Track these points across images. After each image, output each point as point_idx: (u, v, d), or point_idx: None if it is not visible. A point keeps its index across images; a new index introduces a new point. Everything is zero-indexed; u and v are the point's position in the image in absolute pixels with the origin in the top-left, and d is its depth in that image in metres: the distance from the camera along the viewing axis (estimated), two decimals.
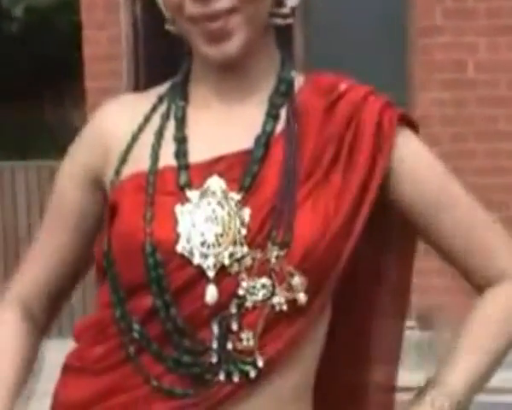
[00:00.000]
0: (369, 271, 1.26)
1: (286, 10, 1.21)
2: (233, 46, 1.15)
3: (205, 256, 1.13)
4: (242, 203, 1.15)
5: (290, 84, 1.23)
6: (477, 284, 1.23)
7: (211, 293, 1.12)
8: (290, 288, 1.13)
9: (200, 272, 1.13)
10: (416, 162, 1.21)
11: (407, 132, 1.22)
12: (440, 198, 1.21)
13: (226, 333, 1.12)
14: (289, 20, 1.21)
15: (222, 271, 1.13)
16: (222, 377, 1.13)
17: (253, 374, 1.13)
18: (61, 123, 10.19)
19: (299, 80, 1.25)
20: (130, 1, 5.07)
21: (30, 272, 1.30)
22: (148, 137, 1.22)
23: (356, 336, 1.28)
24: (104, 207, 1.22)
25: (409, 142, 1.22)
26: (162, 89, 1.28)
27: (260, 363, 1.13)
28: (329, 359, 1.23)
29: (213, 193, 1.15)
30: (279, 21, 1.21)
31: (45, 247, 1.29)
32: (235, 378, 1.13)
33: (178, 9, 1.16)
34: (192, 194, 1.16)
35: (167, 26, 1.23)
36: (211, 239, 1.13)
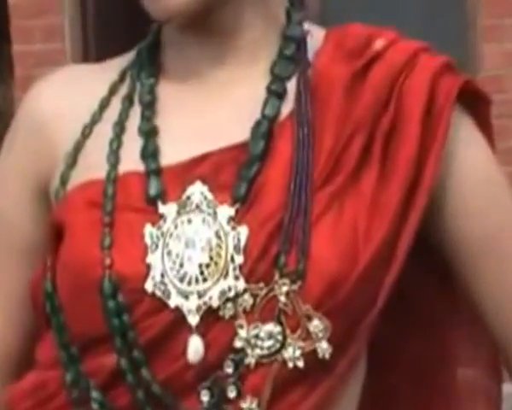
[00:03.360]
0: (428, 304, 1.06)
1: None
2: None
3: (185, 296, 0.94)
4: (237, 220, 0.94)
5: (300, 44, 1.00)
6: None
7: (194, 347, 0.93)
8: (307, 336, 0.93)
9: (180, 317, 0.94)
10: (473, 176, 0.99)
11: (467, 120, 0.99)
12: (494, 243, 1.00)
13: (220, 403, 0.93)
14: None
15: (209, 316, 0.93)
16: None
17: None
18: None
19: (316, 38, 1.01)
20: None
21: None
22: (104, 129, 1.02)
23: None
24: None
25: (464, 136, 0.99)
26: (124, 60, 1.07)
27: None
28: None
29: (196, 207, 0.96)
30: None
31: None
32: None
33: None
34: (166, 209, 0.96)
35: None
36: (193, 271, 0.94)
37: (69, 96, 1.06)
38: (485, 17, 4.30)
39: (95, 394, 0.97)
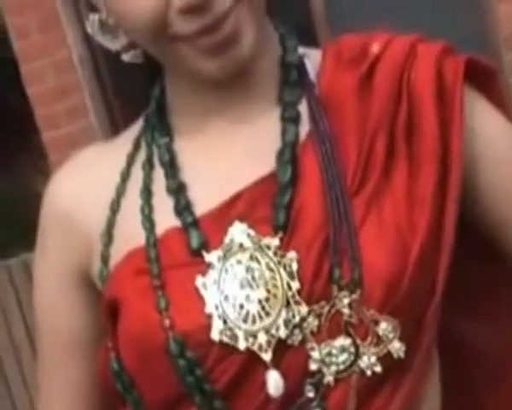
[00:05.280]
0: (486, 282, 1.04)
1: None
2: (244, 48, 0.92)
3: (253, 335, 0.91)
4: (283, 248, 0.92)
5: (300, 68, 1.00)
6: None
7: (274, 382, 0.90)
8: (378, 340, 0.90)
9: (252, 357, 0.91)
10: (490, 138, 0.98)
11: (477, 95, 0.98)
12: None
13: None
14: None
15: (280, 347, 0.90)
16: None
17: None
18: (19, 196, 8.96)
19: (313, 59, 1.01)
20: (75, 14, 4.46)
21: None
22: (131, 199, 1.01)
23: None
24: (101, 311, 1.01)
25: (479, 109, 0.98)
26: (134, 130, 1.06)
27: None
28: None
29: (241, 246, 0.93)
30: None
31: (56, 391, 1.08)
32: None
33: (159, 30, 0.91)
34: (212, 256, 0.94)
35: (124, 57, 1.02)
36: (254, 310, 0.91)
37: (87, 181, 1.04)
38: None
39: None
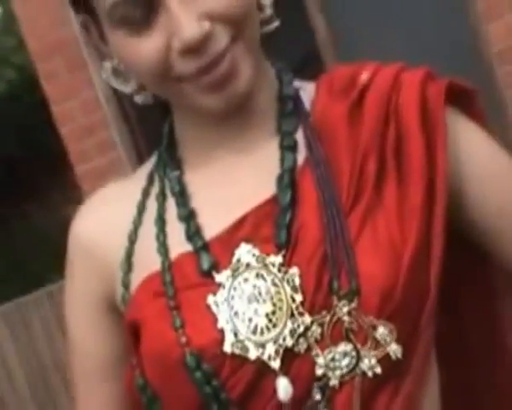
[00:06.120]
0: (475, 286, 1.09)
1: (268, 12, 1.04)
2: (241, 83, 0.98)
3: (262, 346, 0.96)
4: (286, 264, 0.98)
5: (296, 100, 1.06)
6: None
7: (283, 388, 0.95)
8: (377, 344, 0.96)
9: (262, 365, 0.96)
10: (474, 155, 1.03)
11: (459, 116, 1.04)
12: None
13: None
14: (275, 23, 1.05)
15: (288, 355, 0.96)
16: None
17: None
18: (57, 227, 9.57)
19: (308, 90, 1.07)
20: (99, 56, 4.72)
21: None
22: (147, 229, 1.07)
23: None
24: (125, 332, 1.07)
25: (461, 128, 1.03)
26: (149, 165, 1.13)
27: None
28: None
29: (247, 265, 0.99)
30: (266, 29, 1.05)
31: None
32: None
33: (163, 72, 0.97)
34: (222, 276, 0.99)
35: (136, 98, 1.08)
36: (262, 322, 0.97)
37: (107, 215, 1.11)
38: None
39: None
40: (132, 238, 1.08)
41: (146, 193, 1.10)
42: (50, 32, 4.58)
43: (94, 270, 1.11)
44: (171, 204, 1.07)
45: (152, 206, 1.08)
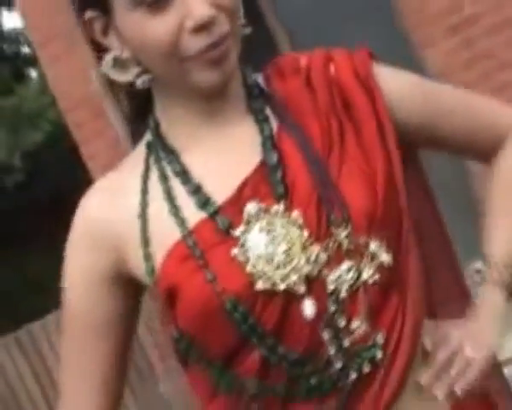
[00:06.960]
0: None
1: (242, 20, 1.22)
2: (230, 65, 1.16)
3: (287, 277, 1.14)
4: (288, 210, 1.16)
5: (258, 85, 1.25)
6: (490, 151, 1.30)
7: (309, 306, 1.14)
8: (373, 256, 1.15)
9: (289, 294, 1.14)
10: (401, 85, 1.26)
11: (379, 66, 1.27)
12: (429, 97, 1.27)
13: (337, 333, 1.14)
14: (247, 30, 1.22)
15: (307, 280, 1.14)
16: (354, 375, 1.15)
17: (379, 355, 1.15)
18: None
19: (259, 78, 1.27)
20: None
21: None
22: (155, 208, 1.21)
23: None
24: (139, 297, 1.25)
25: (386, 74, 1.26)
26: (139, 156, 1.26)
27: (381, 340, 1.15)
28: None
29: (257, 218, 1.16)
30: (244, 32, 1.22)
31: (82, 371, 1.26)
32: (366, 369, 1.15)
33: (172, 50, 1.13)
34: (238, 232, 1.16)
35: (138, 84, 1.19)
36: (282, 259, 1.14)
37: (111, 197, 1.23)
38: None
39: (250, 383, 1.15)
40: (143, 217, 1.20)
41: (146, 177, 1.22)
42: (76, 89, 5.04)
43: (98, 243, 1.22)
44: (176, 184, 1.20)
45: (155, 188, 1.21)
